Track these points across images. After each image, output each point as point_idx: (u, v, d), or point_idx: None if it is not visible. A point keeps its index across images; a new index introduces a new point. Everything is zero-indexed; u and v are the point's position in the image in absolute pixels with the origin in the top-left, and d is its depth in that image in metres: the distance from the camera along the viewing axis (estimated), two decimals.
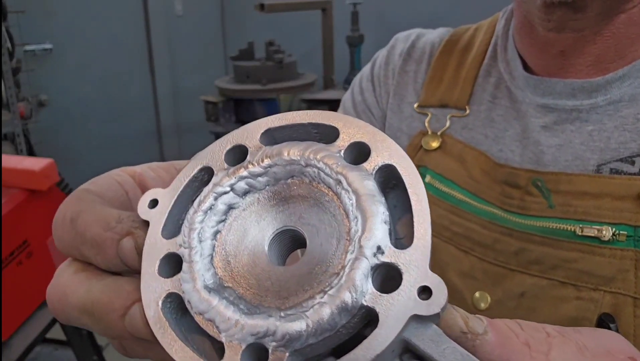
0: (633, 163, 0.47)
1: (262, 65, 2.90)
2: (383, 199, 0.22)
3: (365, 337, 0.19)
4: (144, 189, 0.28)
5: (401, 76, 0.66)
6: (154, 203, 0.24)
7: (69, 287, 0.24)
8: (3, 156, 1.29)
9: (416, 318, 0.19)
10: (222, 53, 4.26)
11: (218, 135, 2.88)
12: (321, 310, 0.19)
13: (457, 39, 0.64)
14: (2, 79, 2.65)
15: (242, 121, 2.87)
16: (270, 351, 0.19)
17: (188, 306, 0.21)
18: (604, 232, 0.46)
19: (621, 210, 0.46)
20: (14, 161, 1.28)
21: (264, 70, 2.87)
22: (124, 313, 0.22)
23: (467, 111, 0.59)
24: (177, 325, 0.22)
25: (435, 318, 0.19)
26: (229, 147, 0.24)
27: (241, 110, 2.93)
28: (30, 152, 2.91)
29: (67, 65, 3.54)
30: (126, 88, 3.87)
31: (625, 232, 0.46)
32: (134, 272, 0.23)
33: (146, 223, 0.24)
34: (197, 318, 0.21)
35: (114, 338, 0.26)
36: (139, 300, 0.22)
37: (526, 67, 0.56)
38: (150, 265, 0.22)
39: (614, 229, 0.46)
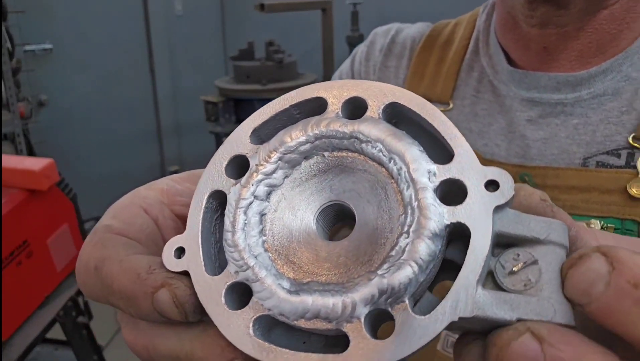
0: (619, 156, 0.48)
1: (262, 65, 2.90)
2: (404, 132, 0.22)
3: (461, 253, 0.19)
4: (172, 206, 0.27)
5: (382, 72, 0.65)
6: (179, 251, 0.23)
7: (157, 336, 0.23)
8: (3, 156, 1.28)
9: (496, 211, 0.19)
10: (222, 53, 4.26)
11: (218, 135, 2.88)
12: (415, 248, 0.19)
13: (438, 34, 0.64)
14: (2, 79, 2.65)
15: (242, 121, 2.86)
16: (390, 309, 0.19)
17: (283, 318, 0.20)
18: (592, 226, 0.46)
19: (609, 203, 0.46)
20: (14, 161, 1.28)
21: (264, 70, 2.87)
22: None
23: (451, 105, 0.59)
24: (274, 343, 0.21)
25: (510, 203, 0.20)
26: (225, 162, 0.24)
27: (241, 110, 2.93)
28: (30, 152, 2.91)
29: (67, 65, 3.54)
30: (126, 88, 3.87)
31: (613, 225, 0.46)
32: (172, 322, 0.22)
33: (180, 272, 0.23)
34: (300, 323, 0.20)
35: None
36: (237, 356, 0.21)
37: (510, 62, 0.56)
38: (216, 305, 0.21)
39: (602, 222, 0.46)
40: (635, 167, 0.47)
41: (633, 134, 0.47)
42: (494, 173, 0.20)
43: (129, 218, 0.26)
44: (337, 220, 0.24)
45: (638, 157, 0.46)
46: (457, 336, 0.21)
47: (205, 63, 4.13)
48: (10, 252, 1.19)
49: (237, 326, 0.21)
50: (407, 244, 0.19)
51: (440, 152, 0.21)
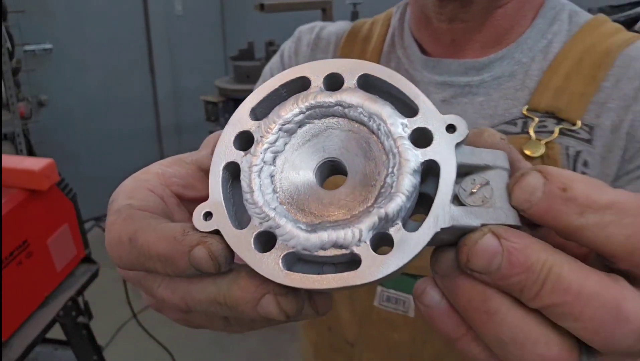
0: (516, 124, 0.58)
1: (262, 65, 2.90)
2: (377, 96, 0.27)
3: (433, 186, 0.25)
4: (170, 187, 0.31)
5: None
6: (207, 215, 0.26)
7: (194, 287, 0.27)
8: (3, 156, 1.28)
9: (456, 147, 0.25)
10: (222, 53, 4.26)
11: None
12: (401, 182, 0.25)
13: (358, 31, 0.72)
14: (2, 79, 2.65)
15: None
16: (389, 231, 0.24)
17: (305, 252, 0.25)
18: None
19: None
20: (13, 161, 1.28)
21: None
22: (256, 304, 0.25)
23: None
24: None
25: (465, 140, 0.25)
26: (232, 138, 0.28)
27: None
28: (30, 152, 2.91)
29: (67, 65, 3.55)
30: (126, 88, 3.87)
31: None
32: (206, 274, 0.26)
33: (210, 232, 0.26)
34: (320, 253, 0.25)
35: (244, 324, 0.29)
36: (269, 291, 0.25)
37: (423, 52, 0.65)
38: (247, 251, 0.25)
39: None
40: (528, 132, 0.56)
41: (526, 107, 0.57)
42: (451, 119, 0.25)
43: (143, 197, 0.30)
44: (332, 173, 0.29)
45: (530, 124, 0.56)
46: (391, 291, 0.25)
47: (205, 63, 4.13)
48: (10, 251, 1.19)
49: (268, 265, 0.25)
50: (394, 181, 0.25)
51: (408, 109, 0.27)
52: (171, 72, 4.07)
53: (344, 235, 0.24)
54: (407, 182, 0.24)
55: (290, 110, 0.27)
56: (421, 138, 0.26)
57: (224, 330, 0.30)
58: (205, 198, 0.28)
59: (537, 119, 0.56)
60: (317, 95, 0.27)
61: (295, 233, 0.25)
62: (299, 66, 0.28)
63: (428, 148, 0.25)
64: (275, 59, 0.78)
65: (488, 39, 0.60)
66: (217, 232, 0.26)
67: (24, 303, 1.28)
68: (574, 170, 0.55)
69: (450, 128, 0.25)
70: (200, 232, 0.26)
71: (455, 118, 0.25)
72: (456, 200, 0.26)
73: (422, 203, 0.26)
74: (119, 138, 3.87)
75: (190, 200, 0.32)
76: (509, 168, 0.26)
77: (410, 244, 0.24)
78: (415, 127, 0.26)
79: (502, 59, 0.60)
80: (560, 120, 0.56)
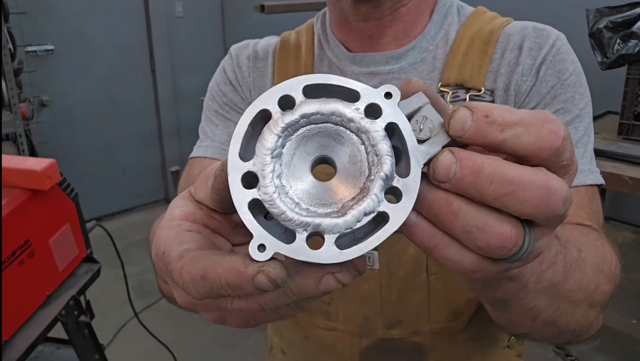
0: None
1: None
2: (324, 98, 0.32)
3: (397, 138, 0.32)
4: (198, 223, 0.36)
5: (255, 72, 0.81)
6: (262, 247, 0.31)
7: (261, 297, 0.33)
8: (5, 156, 1.29)
9: (398, 106, 0.32)
10: (223, 54, 4.24)
11: None
12: (380, 149, 0.31)
13: (287, 41, 0.81)
14: (4, 80, 2.66)
15: None
16: (393, 184, 0.31)
17: (348, 231, 0.31)
18: None
19: None
20: (15, 161, 1.29)
21: None
22: (318, 284, 0.32)
23: None
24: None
25: (400, 99, 0.32)
26: (239, 182, 0.32)
27: None
28: (32, 153, 2.92)
29: (68, 66, 3.56)
30: (127, 88, 3.88)
31: None
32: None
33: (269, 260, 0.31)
34: (359, 225, 0.31)
35: (304, 303, 0.35)
36: (325, 272, 0.32)
37: (348, 50, 0.76)
38: (306, 253, 0.31)
39: None
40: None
41: (440, 83, 0.70)
42: (384, 88, 0.32)
43: (191, 239, 0.35)
44: (318, 162, 0.34)
45: (446, 97, 0.69)
46: None
47: (206, 64, 4.13)
48: (12, 251, 1.20)
49: (328, 254, 0.31)
50: (375, 150, 0.31)
51: (351, 96, 0.32)
52: (172, 73, 4.08)
53: (367, 204, 0.31)
54: (385, 146, 0.31)
55: (270, 139, 0.32)
56: (372, 112, 0.32)
57: (287, 315, 0.36)
58: (224, 225, 0.37)
59: (450, 91, 0.70)
60: (281, 119, 0.32)
61: (334, 223, 0.31)
62: (253, 103, 0.33)
63: (381, 116, 0.32)
64: (217, 76, 0.86)
65: (398, 33, 0.72)
66: (273, 257, 0.31)
67: (25, 302, 1.28)
68: None
69: (387, 95, 0.32)
70: (258, 261, 0.31)
71: (387, 87, 0.32)
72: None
73: (398, 154, 0.32)
74: (120, 138, 3.88)
75: (215, 228, 0.38)
76: (429, 101, 0.33)
77: (411, 185, 0.31)
78: (364, 106, 0.32)
79: (413, 49, 0.72)
80: (468, 89, 0.70)
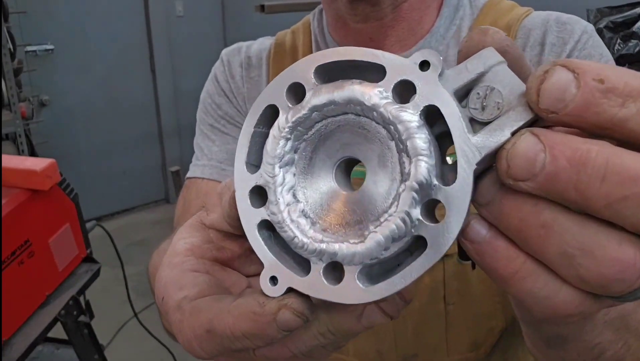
0: None
1: None
2: (340, 81, 0.26)
3: (443, 124, 0.23)
4: (206, 256, 0.31)
5: (249, 82, 0.73)
6: (273, 281, 0.26)
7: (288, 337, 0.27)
8: (4, 156, 1.29)
9: (440, 79, 0.23)
10: None
11: None
12: (413, 145, 0.23)
13: (283, 43, 0.74)
14: (3, 79, 2.66)
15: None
16: (432, 196, 0.23)
17: (373, 261, 0.24)
18: None
19: None
20: (15, 161, 1.28)
21: None
22: (360, 320, 0.26)
23: None
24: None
25: (444, 67, 0.23)
26: (248, 199, 0.27)
27: None
28: (32, 152, 2.91)
29: (68, 65, 3.55)
30: (127, 88, 3.87)
31: None
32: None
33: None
34: (386, 254, 0.24)
35: (346, 339, 0.28)
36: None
37: None
38: (325, 290, 0.25)
39: None
40: None
41: None
42: (419, 56, 0.24)
43: (193, 283, 0.29)
44: (350, 168, 0.28)
45: None
46: None
47: (206, 64, 4.12)
48: (12, 251, 1.20)
49: (350, 292, 0.24)
50: (406, 147, 0.23)
51: (376, 73, 0.25)
52: (172, 73, 4.07)
53: (395, 227, 0.23)
54: (419, 142, 0.23)
55: (276, 144, 0.26)
56: (404, 91, 0.24)
57: (322, 357, 0.29)
58: (239, 253, 0.30)
59: None
60: (290, 115, 0.26)
61: (352, 251, 0.24)
62: (258, 98, 0.27)
63: (415, 97, 0.23)
64: (209, 85, 0.78)
65: (402, 33, 0.64)
66: (289, 290, 0.26)
67: (25, 302, 1.28)
68: None
69: (424, 65, 0.23)
70: (274, 297, 0.26)
71: (422, 53, 0.23)
72: (474, 123, 0.23)
73: (446, 141, 0.24)
74: (120, 138, 3.88)
75: (227, 261, 0.32)
76: (503, 60, 0.23)
77: (458, 197, 0.22)
78: (391, 86, 0.24)
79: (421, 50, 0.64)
80: None
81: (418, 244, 0.24)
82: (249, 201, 0.27)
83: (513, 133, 0.21)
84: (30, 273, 1.25)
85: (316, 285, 0.25)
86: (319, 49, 0.70)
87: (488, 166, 0.23)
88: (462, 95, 0.24)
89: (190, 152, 0.80)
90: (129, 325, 2.47)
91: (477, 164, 0.22)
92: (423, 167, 0.23)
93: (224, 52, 0.79)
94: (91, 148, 3.76)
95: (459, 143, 0.22)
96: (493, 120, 0.22)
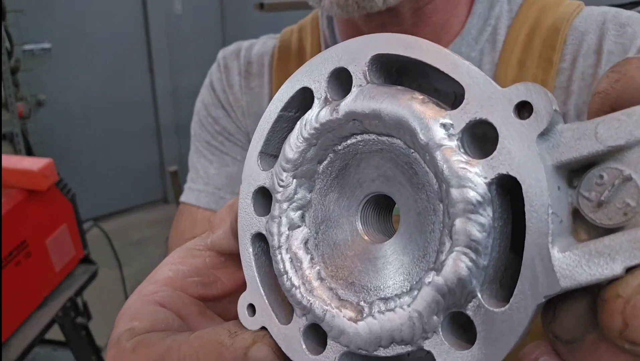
0: None
1: None
2: (399, 87, 0.18)
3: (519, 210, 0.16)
4: (187, 290, 0.26)
5: (249, 95, 0.65)
6: (252, 309, 0.22)
7: None
8: (2, 156, 1.28)
9: (541, 139, 0.15)
10: None
11: None
12: (461, 229, 0.16)
13: (288, 44, 0.65)
14: (0, 79, 2.64)
15: None
16: (464, 309, 0.16)
17: (363, 352, 0.19)
18: None
19: None
20: (12, 161, 1.28)
21: None
22: None
23: None
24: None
25: (555, 122, 0.15)
26: (250, 202, 0.22)
27: None
28: (29, 152, 2.90)
29: (65, 64, 3.54)
30: (125, 87, 3.86)
31: None
32: None
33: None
34: (381, 353, 0.19)
35: None
36: None
37: None
38: (301, 354, 0.20)
39: None
40: None
41: None
42: (520, 92, 0.15)
43: (151, 316, 0.24)
44: (382, 211, 0.21)
45: None
46: None
47: (205, 62, 4.12)
48: (9, 252, 1.19)
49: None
50: (452, 226, 0.16)
51: (452, 85, 0.17)
52: (170, 71, 4.06)
53: (400, 327, 0.17)
54: (472, 228, 0.15)
55: (295, 146, 0.20)
56: (478, 138, 0.16)
57: None
58: (234, 290, 0.24)
59: None
60: (320, 113, 0.19)
61: (342, 328, 0.19)
62: (294, 74, 0.21)
63: (494, 154, 0.15)
64: (205, 93, 0.69)
65: (426, 39, 0.56)
66: (263, 328, 0.21)
67: (22, 303, 1.27)
68: None
69: (523, 109, 0.15)
70: (252, 330, 0.21)
71: (527, 90, 0.15)
72: (578, 218, 0.15)
73: (512, 244, 0.16)
74: (118, 137, 3.86)
75: (216, 298, 0.27)
76: None
77: (500, 329, 0.15)
78: (465, 122, 0.16)
79: None
80: None
81: (427, 359, 0.18)
82: (252, 204, 0.22)
83: (629, 270, 0.13)
84: (27, 274, 1.24)
85: (292, 343, 0.20)
86: None
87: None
88: (577, 167, 0.16)
89: (189, 151, 0.78)
90: None
91: (545, 297, 0.15)
92: (463, 266, 0.16)
93: (222, 53, 0.70)
94: (89, 147, 3.74)
95: (530, 255, 0.15)
96: (608, 228, 0.14)
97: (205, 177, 0.65)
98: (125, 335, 0.24)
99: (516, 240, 0.16)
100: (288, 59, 0.64)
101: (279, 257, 0.21)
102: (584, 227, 0.15)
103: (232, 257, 0.26)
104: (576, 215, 0.15)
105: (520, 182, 0.15)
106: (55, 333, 1.41)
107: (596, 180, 0.15)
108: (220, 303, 0.27)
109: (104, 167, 3.81)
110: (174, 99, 4.11)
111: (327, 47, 0.62)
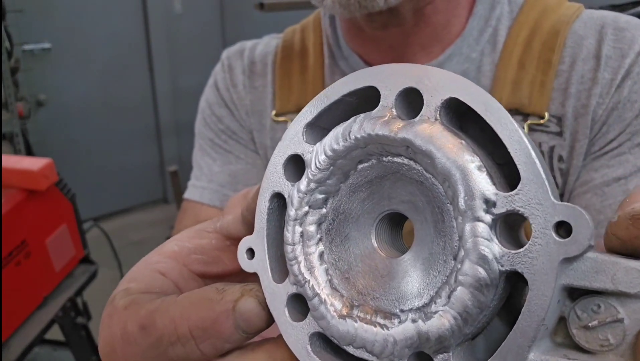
0: None
1: None
2: (463, 142, 0.18)
3: (520, 296, 0.18)
4: (190, 266, 0.27)
5: (252, 93, 0.66)
6: (251, 253, 0.23)
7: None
8: (2, 156, 1.28)
9: (564, 262, 0.16)
10: (222, 52, 4.25)
11: None
12: (460, 297, 0.17)
13: (291, 44, 0.65)
14: (0, 79, 2.64)
15: None
16: (434, 358, 0.18)
17: (334, 340, 0.20)
18: None
19: None
20: (12, 161, 1.28)
21: None
22: None
23: None
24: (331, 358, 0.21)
25: (586, 252, 0.16)
26: (282, 162, 0.23)
27: None
28: (29, 152, 2.90)
29: (65, 64, 3.54)
30: (125, 87, 3.86)
31: None
32: (251, 337, 0.22)
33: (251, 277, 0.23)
34: (349, 350, 0.20)
35: None
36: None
37: (364, 61, 0.60)
38: (281, 314, 0.21)
39: None
40: None
41: None
42: (567, 212, 0.16)
43: (148, 280, 0.25)
44: (395, 228, 0.23)
45: None
46: None
47: (205, 62, 4.12)
48: (8, 252, 1.19)
49: (297, 339, 0.21)
50: (453, 289, 0.17)
51: (507, 168, 0.18)
52: (170, 71, 4.06)
53: (373, 340, 0.19)
54: (467, 299, 0.17)
55: (345, 141, 0.21)
56: (512, 230, 0.18)
57: None
58: (235, 272, 0.26)
59: None
60: (380, 124, 0.20)
61: (324, 314, 0.20)
62: (368, 70, 0.21)
63: (520, 251, 0.16)
64: (209, 93, 0.71)
65: (426, 39, 0.56)
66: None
67: (22, 303, 1.27)
68: (551, 167, 0.52)
69: (562, 227, 0.16)
70: (240, 284, 0.22)
71: (574, 214, 0.16)
72: (562, 324, 0.17)
73: (509, 313, 0.18)
74: (118, 137, 3.86)
75: (216, 277, 0.28)
76: None
77: None
78: (506, 209, 0.17)
79: (450, 58, 0.55)
80: (525, 115, 0.51)
81: None
82: (283, 162, 0.22)
83: None
84: (27, 274, 1.24)
85: (277, 301, 0.21)
86: (330, 52, 0.62)
87: None
88: (579, 292, 0.17)
89: (189, 150, 0.78)
90: None
91: None
92: (448, 326, 0.17)
93: (225, 53, 0.71)
94: (89, 147, 3.74)
95: (505, 350, 0.16)
96: (585, 352, 0.16)
97: (208, 174, 0.65)
98: (120, 294, 0.25)
99: (503, 308, 0.18)
100: (291, 59, 0.64)
101: (291, 227, 0.22)
102: (564, 332, 0.17)
103: (238, 243, 0.27)
104: (561, 320, 0.17)
105: (529, 288, 0.16)
106: (55, 333, 1.41)
107: (592, 307, 0.16)
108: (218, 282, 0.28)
109: (104, 167, 3.80)
110: (174, 99, 4.10)
111: (329, 46, 0.62)
